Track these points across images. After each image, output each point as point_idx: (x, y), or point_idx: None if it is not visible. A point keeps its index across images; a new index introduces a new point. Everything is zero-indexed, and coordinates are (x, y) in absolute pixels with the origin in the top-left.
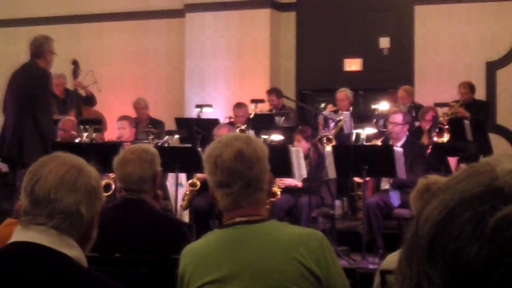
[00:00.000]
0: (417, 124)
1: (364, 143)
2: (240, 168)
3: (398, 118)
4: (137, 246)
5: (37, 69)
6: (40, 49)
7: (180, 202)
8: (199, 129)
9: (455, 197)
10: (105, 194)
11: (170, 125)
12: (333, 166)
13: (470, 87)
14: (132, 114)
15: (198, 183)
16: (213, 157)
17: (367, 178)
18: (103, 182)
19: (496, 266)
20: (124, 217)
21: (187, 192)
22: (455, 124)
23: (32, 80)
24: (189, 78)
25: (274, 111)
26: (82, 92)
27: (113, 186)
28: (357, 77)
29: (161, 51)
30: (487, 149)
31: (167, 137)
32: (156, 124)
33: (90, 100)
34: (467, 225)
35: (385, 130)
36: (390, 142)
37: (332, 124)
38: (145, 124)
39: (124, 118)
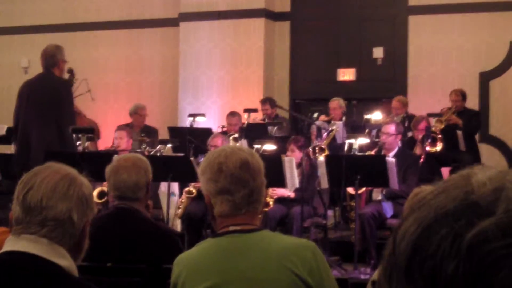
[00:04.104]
0: (409, 134)
1: (357, 153)
2: (245, 177)
3: (391, 128)
4: (129, 255)
5: (58, 79)
6: (54, 59)
7: (172, 211)
8: (192, 138)
9: (430, 213)
10: (99, 201)
11: (163, 134)
12: (325, 176)
13: (462, 95)
14: (126, 122)
15: (195, 191)
16: (217, 164)
17: (362, 190)
18: (98, 190)
19: (474, 282)
20: (116, 226)
21: (183, 200)
22: (448, 134)
23: (56, 90)
24: (183, 87)
25: (267, 120)
26: None
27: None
28: (351, 87)
29: (155, 60)
30: (476, 159)
31: (159, 146)
32: (150, 131)
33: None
34: (443, 242)
35: (377, 140)
36: (383, 153)
37: (324, 134)
38: (138, 130)
39: (122, 128)
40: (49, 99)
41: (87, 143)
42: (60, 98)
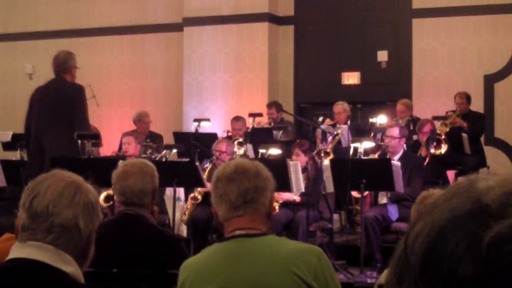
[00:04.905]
0: (415, 137)
1: (362, 156)
2: (238, 178)
3: (395, 131)
4: (135, 261)
5: (70, 84)
6: (66, 65)
7: (177, 216)
8: (197, 143)
9: (444, 215)
10: (106, 205)
11: (168, 139)
12: (331, 180)
13: (466, 98)
14: (130, 127)
15: (200, 197)
16: (217, 174)
17: (365, 193)
18: (104, 194)
19: (493, 283)
20: (122, 232)
21: (188, 207)
22: (453, 137)
23: (69, 96)
24: (187, 92)
25: (272, 125)
26: None
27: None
28: (355, 90)
29: (159, 65)
30: (481, 161)
31: (165, 151)
32: (155, 138)
33: None
34: (460, 243)
35: (382, 143)
36: (388, 156)
37: (330, 138)
38: (143, 137)
39: (130, 134)
40: (63, 105)
41: (92, 149)
42: (73, 104)
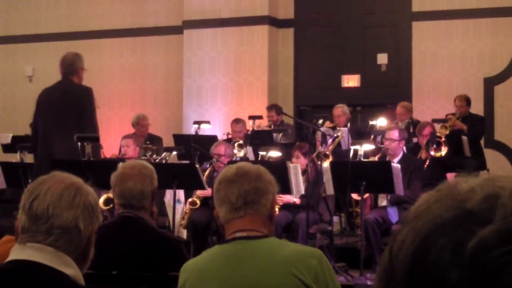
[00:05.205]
0: (414, 140)
1: (362, 159)
2: (239, 180)
3: (394, 134)
4: (135, 263)
5: (78, 87)
6: (73, 67)
7: (178, 218)
8: (197, 146)
9: (426, 224)
10: (106, 208)
11: (168, 141)
12: (331, 182)
13: (466, 100)
14: (131, 130)
15: (198, 202)
16: (219, 176)
17: (365, 195)
18: (104, 197)
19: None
20: (122, 234)
21: (187, 211)
22: (453, 140)
23: (77, 98)
24: (187, 95)
25: (272, 127)
26: None
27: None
28: (355, 93)
29: (159, 68)
30: (482, 164)
31: (165, 153)
32: (155, 140)
33: None
34: (444, 252)
35: (382, 146)
36: (387, 159)
37: (330, 141)
38: (142, 139)
39: (129, 136)
40: (70, 107)
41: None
42: (81, 106)
